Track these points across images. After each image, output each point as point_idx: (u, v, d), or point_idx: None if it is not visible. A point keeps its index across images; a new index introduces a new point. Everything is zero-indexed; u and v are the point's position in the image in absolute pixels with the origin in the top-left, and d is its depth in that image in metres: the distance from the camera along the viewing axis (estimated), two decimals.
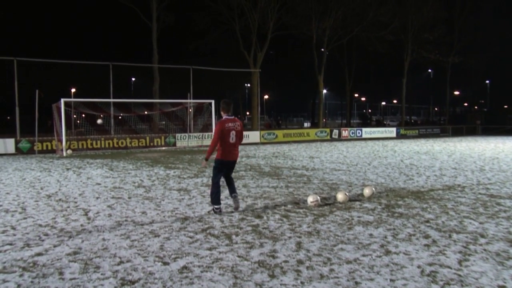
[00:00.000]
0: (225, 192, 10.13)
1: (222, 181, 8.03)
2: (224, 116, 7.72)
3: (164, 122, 31.58)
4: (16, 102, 24.04)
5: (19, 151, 22.28)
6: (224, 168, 7.87)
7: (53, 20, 63.50)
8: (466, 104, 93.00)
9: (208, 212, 7.99)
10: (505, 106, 65.66)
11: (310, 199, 8.36)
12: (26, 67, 28.73)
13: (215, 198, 7.85)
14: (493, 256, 5.44)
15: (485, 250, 5.68)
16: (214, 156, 7.82)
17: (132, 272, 4.96)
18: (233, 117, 7.80)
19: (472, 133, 44.78)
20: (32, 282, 4.72)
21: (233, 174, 13.14)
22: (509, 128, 46.64)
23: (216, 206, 7.85)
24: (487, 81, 73.98)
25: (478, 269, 4.98)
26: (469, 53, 51.28)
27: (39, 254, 5.63)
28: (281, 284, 4.60)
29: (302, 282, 4.64)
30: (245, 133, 30.56)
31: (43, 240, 6.29)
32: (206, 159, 7.77)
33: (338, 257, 5.42)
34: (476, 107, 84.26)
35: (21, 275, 4.90)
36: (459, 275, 4.80)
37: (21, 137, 23.53)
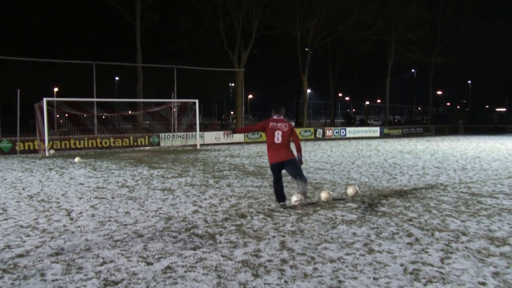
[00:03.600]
0: (208, 192, 10.10)
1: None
2: (273, 117, 7.97)
3: (148, 122, 31.41)
4: None
5: (0, 151, 21.97)
6: (275, 171, 8.00)
7: (35, 18, 62.80)
8: (448, 104, 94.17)
9: (281, 205, 8.18)
10: (487, 106, 66.64)
11: (294, 198, 8.33)
12: (7, 65, 28.35)
13: (277, 196, 8.19)
14: (474, 253, 5.51)
15: (466, 248, 5.75)
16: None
17: (115, 273, 4.92)
18: (281, 117, 7.96)
19: (454, 133, 45.32)
20: (12, 284, 4.65)
21: (218, 174, 13.22)
22: (490, 127, 47.33)
23: (281, 203, 8.11)
24: (469, 81, 74.94)
25: (459, 267, 5.04)
26: (451, 54, 51.91)
27: (20, 256, 5.55)
28: (265, 284, 4.60)
29: (286, 281, 4.64)
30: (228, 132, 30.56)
31: (24, 241, 6.20)
32: (234, 131, 8.82)
33: (322, 256, 5.44)
34: (458, 107, 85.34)
35: (1, 277, 4.83)
36: (441, 273, 4.85)
37: (2, 136, 23.21)
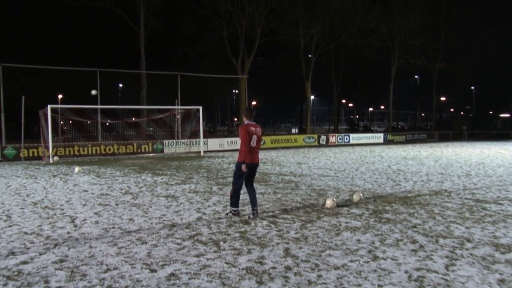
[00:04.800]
0: (212, 199, 10.10)
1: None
2: (246, 122, 8.14)
3: (151, 129, 31.47)
4: (1, 108, 23.79)
5: (4, 158, 22.03)
6: (249, 172, 8.05)
7: (40, 26, 63.11)
8: (452, 110, 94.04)
9: (227, 214, 8.29)
10: (490, 112, 66.50)
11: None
12: (12, 73, 28.48)
13: (235, 201, 8.16)
14: (479, 260, 5.49)
15: (471, 254, 5.72)
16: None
17: (119, 280, 4.92)
18: (254, 123, 8.19)
19: (458, 139, 45.21)
20: None
21: (221, 181, 13.22)
22: (494, 133, 47.21)
23: (234, 209, 8.18)
24: (472, 87, 74.85)
25: (464, 274, 5.02)
26: (454, 60, 51.89)
27: (24, 263, 5.56)
28: None
29: None
30: (232, 139, 30.66)
31: (28, 248, 6.21)
32: (239, 161, 8.02)
33: (326, 263, 5.42)
34: (462, 113, 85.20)
35: (5, 284, 4.83)
36: (446, 280, 4.83)
37: (7, 143, 23.29)
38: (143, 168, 17.76)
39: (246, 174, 8.05)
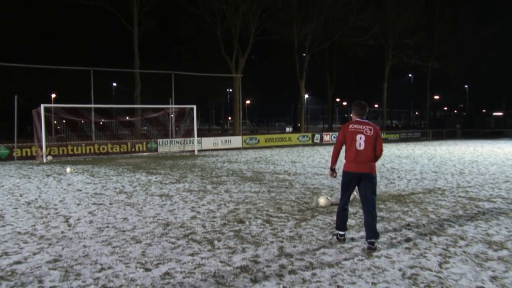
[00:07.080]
0: (206, 198, 10.09)
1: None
2: (355, 119, 6.34)
3: (146, 128, 31.37)
4: None
5: None
6: (350, 183, 6.10)
7: (33, 24, 62.84)
8: (446, 108, 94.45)
9: (331, 237, 6.51)
10: (484, 110, 66.80)
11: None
12: (5, 72, 28.36)
13: (339, 223, 6.26)
14: (472, 258, 5.52)
15: (464, 252, 5.76)
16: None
17: (113, 279, 4.91)
18: (366, 120, 6.28)
19: (452, 137, 45.39)
20: None
21: (215, 179, 13.20)
22: (487, 131, 47.42)
23: (340, 233, 6.28)
24: (466, 86, 75.16)
25: (457, 271, 5.04)
26: (448, 58, 52.06)
27: (18, 263, 5.54)
28: None
29: (284, 287, 4.64)
30: (227, 138, 30.60)
31: (22, 248, 6.19)
32: (331, 169, 6.53)
33: (320, 261, 5.44)
34: (455, 111, 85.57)
35: None
36: (440, 277, 4.86)
37: (0, 143, 23.16)
38: (137, 167, 17.72)
39: (351, 188, 6.14)
